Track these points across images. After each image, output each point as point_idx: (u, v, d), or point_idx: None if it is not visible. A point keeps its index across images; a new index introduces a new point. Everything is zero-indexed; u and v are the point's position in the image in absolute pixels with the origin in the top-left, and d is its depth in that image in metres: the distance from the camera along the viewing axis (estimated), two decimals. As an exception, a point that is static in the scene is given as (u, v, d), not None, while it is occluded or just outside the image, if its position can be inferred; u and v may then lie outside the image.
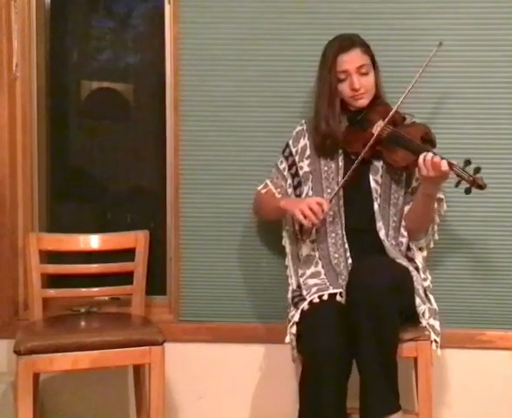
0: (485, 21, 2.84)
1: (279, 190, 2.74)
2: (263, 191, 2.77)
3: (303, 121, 2.76)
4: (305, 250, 2.67)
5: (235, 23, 2.92)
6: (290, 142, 2.75)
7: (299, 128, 2.76)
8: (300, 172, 2.71)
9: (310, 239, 2.66)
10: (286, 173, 2.74)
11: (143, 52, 3.21)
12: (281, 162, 2.76)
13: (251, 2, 2.90)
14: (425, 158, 2.44)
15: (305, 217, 2.48)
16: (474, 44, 2.85)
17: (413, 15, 2.86)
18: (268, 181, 2.77)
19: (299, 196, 2.70)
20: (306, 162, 2.71)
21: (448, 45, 2.84)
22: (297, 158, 2.73)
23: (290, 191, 2.73)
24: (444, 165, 2.40)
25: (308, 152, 2.71)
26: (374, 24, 2.83)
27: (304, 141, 2.73)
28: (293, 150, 2.74)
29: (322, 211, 2.48)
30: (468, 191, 2.42)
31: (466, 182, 2.42)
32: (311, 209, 2.47)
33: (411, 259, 2.62)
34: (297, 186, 2.72)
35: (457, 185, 2.45)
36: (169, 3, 2.97)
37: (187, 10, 2.93)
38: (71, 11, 3.21)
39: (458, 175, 2.43)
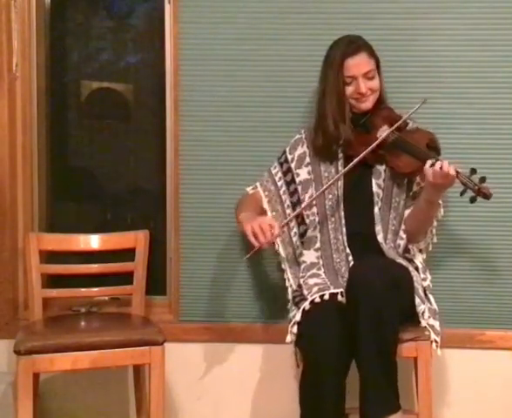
0: (485, 21, 2.84)
1: (267, 193, 2.74)
2: (250, 192, 2.77)
3: (302, 130, 2.77)
4: (309, 258, 2.67)
5: (235, 23, 2.92)
6: (287, 149, 2.76)
7: (297, 136, 2.76)
8: (297, 180, 2.72)
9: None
10: (276, 178, 2.74)
11: (143, 52, 3.21)
12: (275, 167, 2.77)
13: (251, 2, 2.90)
14: (432, 164, 2.43)
15: (254, 234, 2.45)
16: (475, 44, 2.85)
17: (413, 15, 2.86)
18: (258, 184, 2.77)
19: (295, 203, 2.70)
20: (306, 169, 2.71)
21: (448, 45, 2.86)
22: (293, 165, 2.73)
23: (284, 197, 2.73)
24: (452, 171, 2.39)
25: (308, 160, 2.71)
26: (375, 24, 2.84)
27: (302, 149, 2.73)
28: (289, 157, 2.74)
29: (272, 233, 2.45)
30: (473, 200, 2.42)
31: (471, 191, 2.41)
32: (261, 228, 2.44)
33: (410, 260, 2.62)
34: (293, 193, 2.73)
35: (462, 193, 2.44)
36: (169, 3, 2.98)
37: (187, 10, 2.93)
38: (71, 11, 3.21)
39: (464, 183, 2.42)
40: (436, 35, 2.85)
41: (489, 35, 2.84)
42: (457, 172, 2.42)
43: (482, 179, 2.41)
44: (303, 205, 2.65)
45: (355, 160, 2.56)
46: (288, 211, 2.72)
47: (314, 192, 2.67)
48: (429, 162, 2.44)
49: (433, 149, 2.53)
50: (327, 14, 2.87)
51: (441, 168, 2.40)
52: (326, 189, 2.62)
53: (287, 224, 2.66)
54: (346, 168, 2.58)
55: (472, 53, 2.85)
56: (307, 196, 2.69)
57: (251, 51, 2.92)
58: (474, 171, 2.42)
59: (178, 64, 2.95)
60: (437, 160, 2.43)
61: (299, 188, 2.71)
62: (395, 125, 2.58)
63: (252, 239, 2.45)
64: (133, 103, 3.23)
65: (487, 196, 2.41)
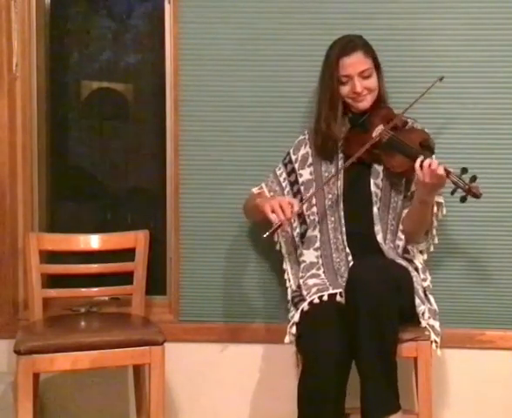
0: (485, 21, 2.84)
1: (272, 194, 2.75)
2: (256, 192, 2.77)
3: (305, 131, 2.78)
4: (308, 257, 2.66)
5: (235, 23, 2.92)
6: (291, 150, 2.77)
7: (301, 137, 2.77)
8: (300, 180, 2.72)
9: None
10: (281, 179, 2.76)
11: (143, 52, 3.21)
12: (279, 168, 2.78)
13: (251, 2, 2.90)
14: (421, 163, 2.42)
15: (273, 212, 2.45)
16: (475, 44, 2.85)
17: (413, 15, 2.86)
18: (263, 184, 2.78)
19: (300, 202, 2.70)
20: (308, 170, 2.72)
21: (448, 45, 2.86)
22: (296, 166, 2.74)
23: (289, 197, 2.73)
24: (440, 171, 2.39)
25: (310, 160, 2.72)
26: (375, 24, 2.84)
27: (305, 149, 2.74)
28: (293, 157, 2.75)
29: (291, 211, 2.46)
30: (463, 199, 2.41)
31: (461, 190, 2.40)
32: (281, 206, 2.45)
33: (409, 261, 2.62)
34: (296, 193, 2.73)
35: (453, 192, 2.43)
36: (169, 3, 2.98)
37: (187, 10, 2.93)
38: (71, 11, 3.21)
39: (454, 183, 2.41)
40: (436, 35, 2.85)
41: (489, 35, 2.84)
42: (447, 172, 2.40)
43: (473, 179, 2.39)
44: (310, 193, 2.64)
45: (349, 160, 2.57)
46: None
47: (314, 191, 2.68)
48: (419, 161, 2.43)
49: (426, 148, 2.51)
50: (327, 14, 2.88)
51: (429, 166, 2.39)
52: (325, 184, 2.63)
53: (304, 202, 2.65)
54: (343, 166, 2.59)
55: (472, 53, 2.85)
56: (309, 195, 2.69)
57: (251, 51, 2.92)
58: (465, 170, 2.41)
59: (178, 64, 2.95)
60: (427, 159, 2.42)
61: (302, 188, 2.72)
62: (389, 124, 2.58)
63: (272, 217, 2.45)
64: (133, 103, 3.23)
65: (476, 195, 2.40)
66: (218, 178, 2.96)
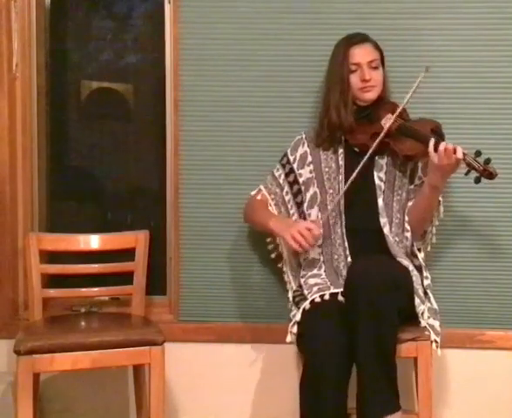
0: (485, 21, 2.84)
1: (272, 196, 2.75)
2: (257, 197, 2.77)
3: (302, 132, 2.77)
4: (311, 254, 2.66)
5: (235, 23, 2.92)
6: (288, 151, 2.77)
7: (297, 137, 2.77)
8: (300, 180, 2.72)
9: (305, 256, 2.66)
10: (281, 180, 2.75)
11: (143, 52, 3.21)
12: (277, 169, 2.77)
13: (251, 2, 2.90)
14: (436, 144, 2.43)
15: (295, 241, 2.47)
16: (475, 44, 2.85)
17: (413, 15, 2.86)
18: (262, 187, 2.77)
19: (300, 204, 2.71)
20: (308, 169, 2.72)
21: (449, 45, 2.86)
22: (295, 166, 2.73)
23: (288, 198, 2.73)
24: (459, 153, 2.40)
25: (310, 159, 2.72)
26: (375, 24, 2.83)
27: (303, 149, 2.74)
28: (291, 158, 2.75)
29: (313, 236, 2.47)
30: (477, 180, 2.43)
31: (476, 171, 2.42)
32: (301, 234, 2.47)
33: (415, 255, 2.62)
34: (297, 193, 2.73)
35: (467, 173, 2.45)
36: (169, 2, 2.98)
37: (187, 10, 2.93)
38: (71, 11, 3.22)
39: (468, 164, 2.43)
40: (436, 35, 2.85)
41: (490, 34, 2.84)
42: (463, 153, 2.42)
43: (487, 161, 2.42)
44: (342, 192, 2.59)
45: (368, 154, 2.51)
46: (292, 211, 2.72)
47: (317, 189, 2.68)
48: (432, 144, 2.43)
49: (437, 134, 2.53)
50: (327, 14, 2.88)
51: (445, 150, 2.40)
52: (353, 177, 2.53)
53: (322, 218, 2.63)
54: (364, 159, 2.51)
55: (473, 53, 2.85)
56: (309, 194, 2.69)
57: (251, 51, 2.92)
58: (479, 153, 2.43)
59: (178, 63, 2.95)
60: (440, 142, 2.43)
61: (303, 188, 2.72)
62: (401, 106, 2.57)
63: (296, 246, 2.48)
64: (133, 103, 3.23)
65: (492, 175, 2.42)
66: (218, 178, 2.96)
